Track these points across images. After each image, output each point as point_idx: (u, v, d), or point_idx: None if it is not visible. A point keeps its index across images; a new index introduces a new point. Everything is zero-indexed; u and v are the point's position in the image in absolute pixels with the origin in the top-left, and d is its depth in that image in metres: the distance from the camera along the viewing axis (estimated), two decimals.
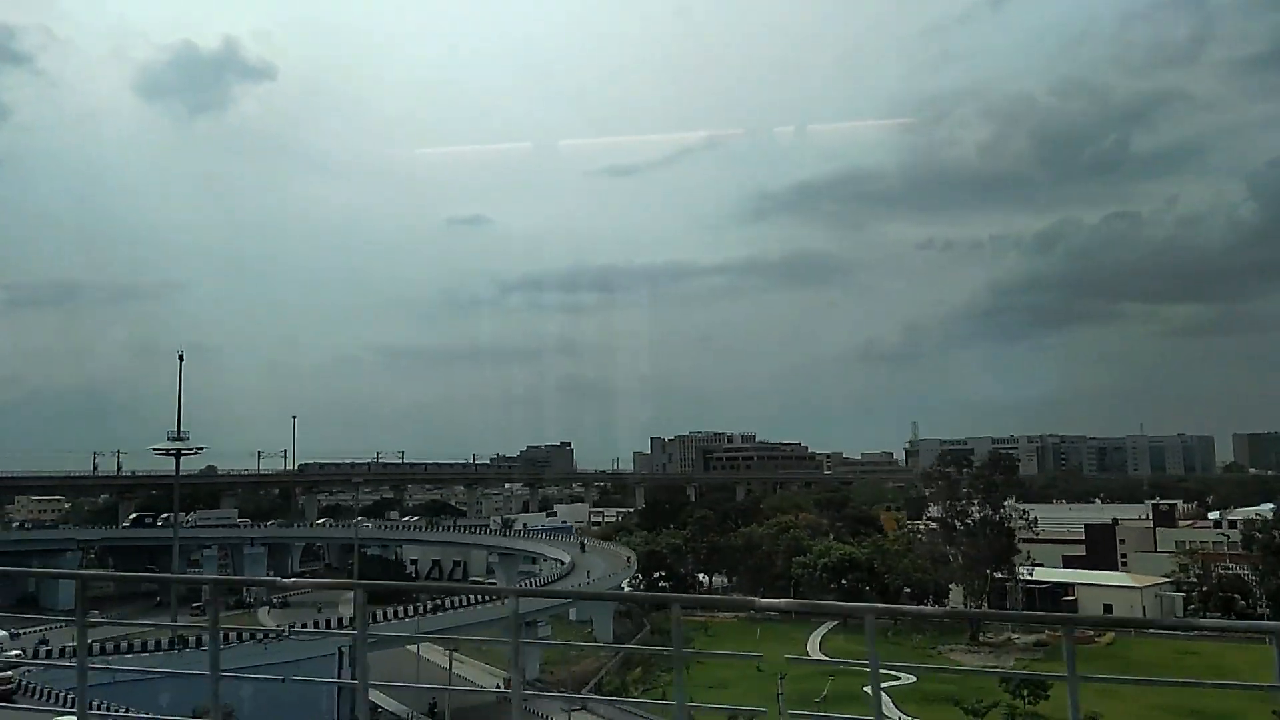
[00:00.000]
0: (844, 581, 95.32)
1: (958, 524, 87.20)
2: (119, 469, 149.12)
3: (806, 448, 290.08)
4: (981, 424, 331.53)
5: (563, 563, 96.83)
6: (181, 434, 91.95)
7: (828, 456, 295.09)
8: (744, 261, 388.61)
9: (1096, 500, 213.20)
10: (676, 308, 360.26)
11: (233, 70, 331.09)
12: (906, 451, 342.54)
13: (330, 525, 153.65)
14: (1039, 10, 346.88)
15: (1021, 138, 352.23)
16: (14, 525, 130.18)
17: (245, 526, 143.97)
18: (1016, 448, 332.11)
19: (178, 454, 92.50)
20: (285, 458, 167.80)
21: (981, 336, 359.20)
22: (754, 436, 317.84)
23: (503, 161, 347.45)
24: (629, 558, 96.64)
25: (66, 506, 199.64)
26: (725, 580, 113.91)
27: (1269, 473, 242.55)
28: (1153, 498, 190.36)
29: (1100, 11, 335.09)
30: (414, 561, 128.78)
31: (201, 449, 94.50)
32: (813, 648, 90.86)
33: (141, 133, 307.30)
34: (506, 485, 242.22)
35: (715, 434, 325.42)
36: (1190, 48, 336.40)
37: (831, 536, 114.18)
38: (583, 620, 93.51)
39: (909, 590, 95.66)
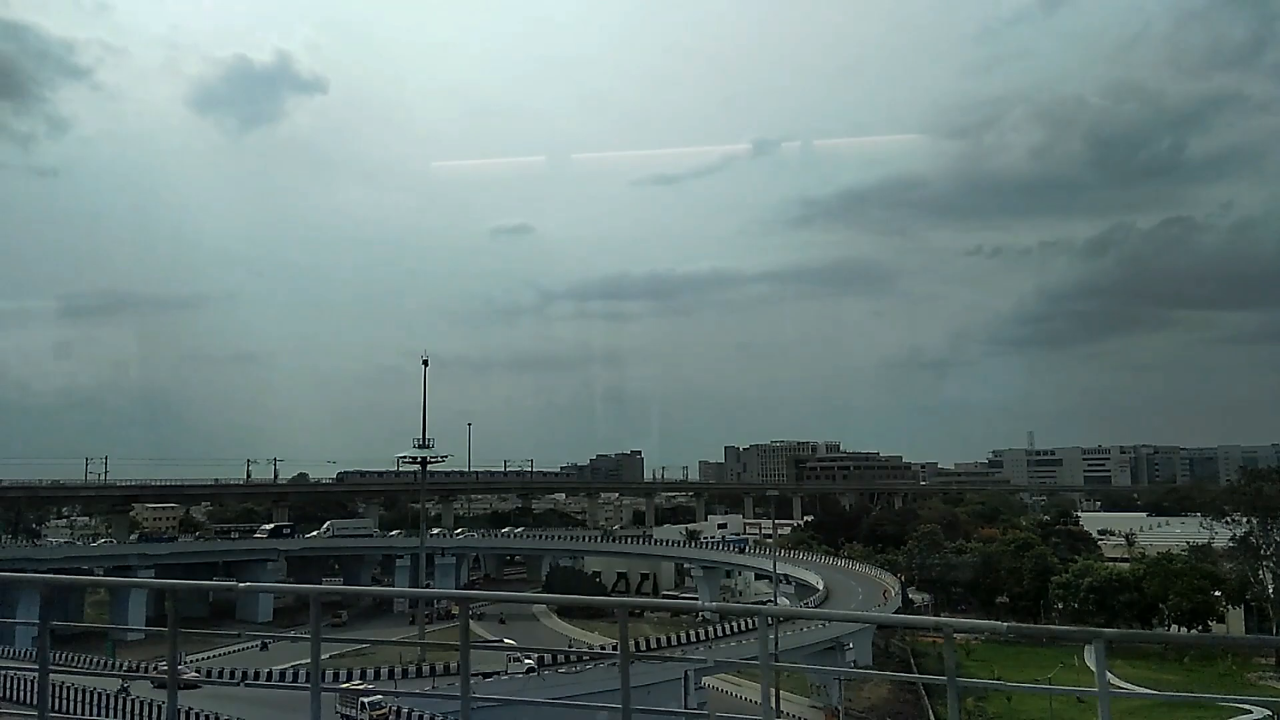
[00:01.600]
0: (1114, 603, 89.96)
1: (1261, 542, 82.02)
2: (275, 476, 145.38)
3: (901, 457, 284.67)
4: (1050, 433, 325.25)
5: (814, 586, 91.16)
6: (427, 441, 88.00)
7: (923, 467, 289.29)
8: (789, 269, 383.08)
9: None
10: (721, 316, 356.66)
11: (285, 83, 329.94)
12: (990, 461, 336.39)
13: (472, 534, 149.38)
14: (1092, 12, 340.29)
15: (1073, 142, 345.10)
16: (227, 534, 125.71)
17: (378, 535, 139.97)
18: (1108, 457, 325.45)
19: (423, 461, 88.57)
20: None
21: (1030, 344, 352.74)
22: (838, 445, 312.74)
23: (547, 171, 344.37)
24: (901, 582, 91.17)
25: (180, 515, 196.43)
26: (934, 600, 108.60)
27: None
28: None
29: (1155, 13, 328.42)
30: (597, 574, 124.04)
31: (447, 457, 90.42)
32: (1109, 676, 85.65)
33: (195, 145, 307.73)
34: (601, 495, 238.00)
35: (799, 443, 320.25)
36: (1248, 49, 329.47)
37: (1053, 555, 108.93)
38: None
39: (1172, 617, 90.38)
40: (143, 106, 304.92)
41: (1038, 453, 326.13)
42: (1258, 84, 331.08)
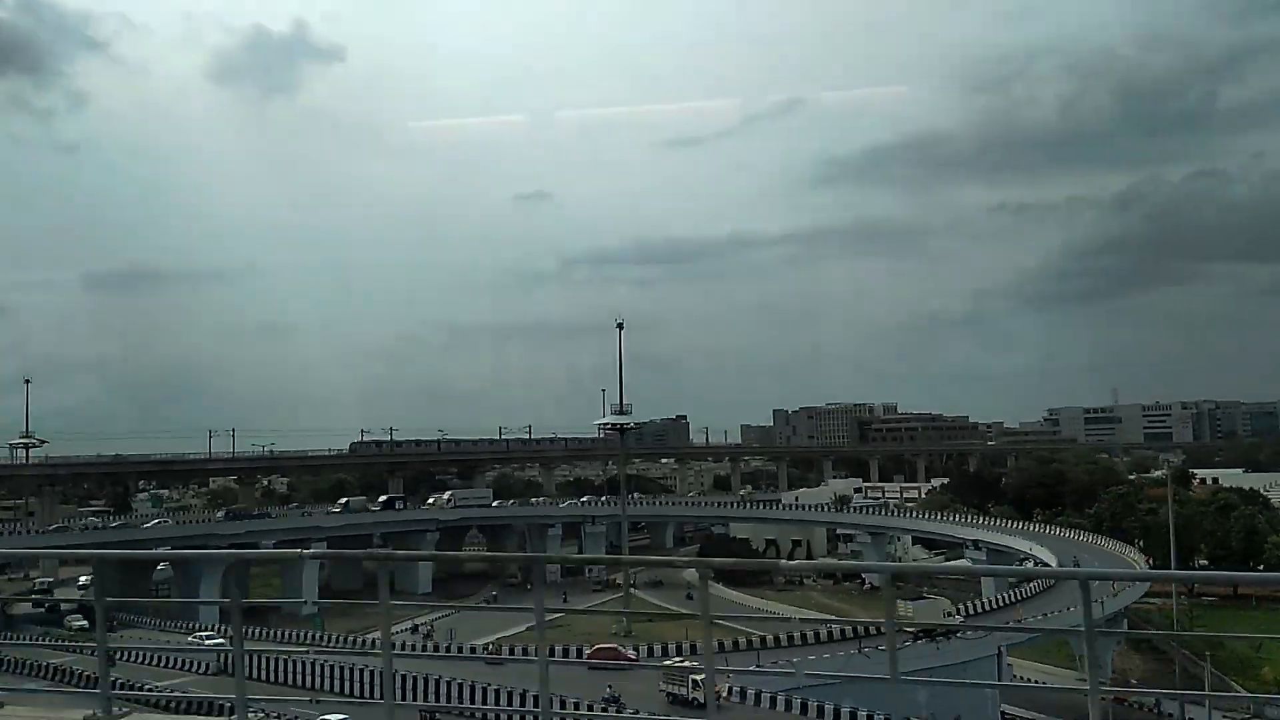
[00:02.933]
0: None
1: None
2: (391, 438, 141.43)
3: (967, 417, 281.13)
4: (1093, 390, 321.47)
5: (1022, 552, 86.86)
6: (625, 408, 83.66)
7: (988, 427, 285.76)
8: (812, 230, 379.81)
9: None
10: (745, 279, 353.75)
11: (303, 52, 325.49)
12: (1045, 419, 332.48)
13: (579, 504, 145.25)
14: None
15: (1102, 94, 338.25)
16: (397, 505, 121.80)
17: (499, 505, 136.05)
18: (1169, 414, 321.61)
19: (621, 429, 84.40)
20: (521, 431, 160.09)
21: (1059, 300, 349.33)
22: (895, 407, 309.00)
23: (567, 136, 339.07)
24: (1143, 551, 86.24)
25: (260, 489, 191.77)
26: None
27: None
28: None
29: None
30: (745, 540, 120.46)
31: (646, 424, 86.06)
32: None
33: (215, 117, 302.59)
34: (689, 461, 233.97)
35: (856, 404, 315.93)
36: None
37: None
38: None
39: None
40: (162, 79, 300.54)
41: (1095, 410, 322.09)
42: None
